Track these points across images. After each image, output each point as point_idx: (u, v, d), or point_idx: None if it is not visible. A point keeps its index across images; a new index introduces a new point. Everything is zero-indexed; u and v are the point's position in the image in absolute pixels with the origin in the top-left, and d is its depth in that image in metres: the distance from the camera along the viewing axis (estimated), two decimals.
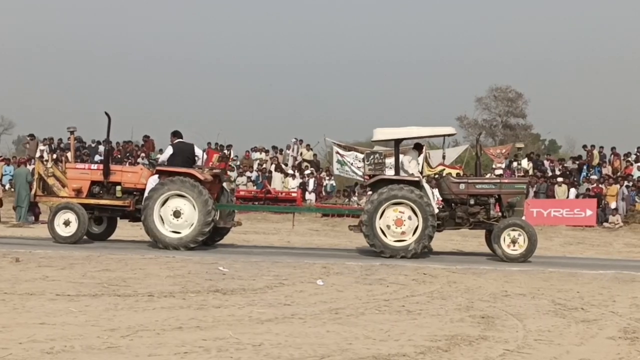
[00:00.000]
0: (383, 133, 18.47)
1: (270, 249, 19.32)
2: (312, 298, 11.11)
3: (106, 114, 18.87)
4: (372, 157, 18.29)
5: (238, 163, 38.57)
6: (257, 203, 25.31)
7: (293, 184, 35.02)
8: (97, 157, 37.05)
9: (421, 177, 17.90)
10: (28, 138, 41.58)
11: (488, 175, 30.46)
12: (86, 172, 19.08)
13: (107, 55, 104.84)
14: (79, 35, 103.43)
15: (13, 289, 10.99)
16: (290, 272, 13.84)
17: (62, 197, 18.83)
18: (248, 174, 36.14)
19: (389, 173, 18.93)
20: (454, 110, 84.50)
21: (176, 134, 18.88)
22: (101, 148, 38.94)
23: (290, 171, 36.65)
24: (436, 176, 18.41)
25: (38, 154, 37.65)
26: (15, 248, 16.19)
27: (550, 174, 35.65)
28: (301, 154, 39.50)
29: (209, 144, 38.67)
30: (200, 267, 14.04)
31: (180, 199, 17.67)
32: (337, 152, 36.46)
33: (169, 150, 18.51)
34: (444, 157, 18.86)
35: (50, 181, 19.10)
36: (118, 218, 19.69)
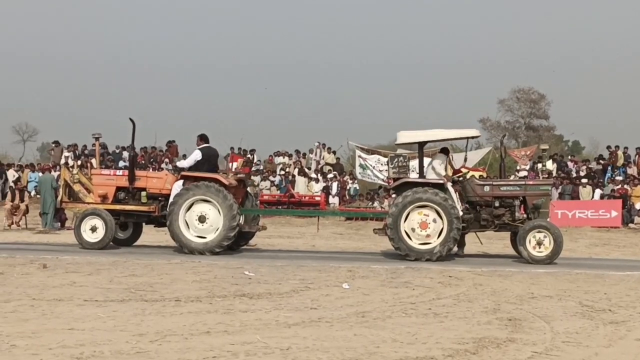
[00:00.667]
0: (407, 136, 18.44)
1: (295, 252, 19.32)
2: (338, 302, 11.11)
3: (131, 120, 18.94)
4: (396, 160, 18.24)
5: (261, 167, 38.64)
6: (280, 207, 25.23)
7: (316, 187, 35.02)
8: (121, 163, 37.22)
9: (445, 179, 17.84)
10: (53, 144, 41.80)
11: (512, 177, 30.35)
12: (111, 178, 19.15)
13: (129, 62, 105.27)
14: (102, 42, 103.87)
15: (41, 295, 11.06)
16: (316, 275, 13.85)
17: (88, 203, 18.91)
18: (272, 178, 36.20)
19: (413, 176, 18.89)
20: (477, 112, 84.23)
21: (203, 138, 18.89)
22: (125, 154, 39.18)
23: (313, 175, 36.66)
24: (461, 178, 18.30)
25: (63, 161, 37.85)
26: (42, 254, 16.30)
27: (574, 175, 35.49)
28: (323, 157, 39.51)
29: (232, 148, 38.86)
30: (226, 272, 14.08)
31: (205, 204, 17.71)
32: (360, 156, 36.44)
33: (197, 155, 18.46)
34: (465, 160, 18.74)
35: (76, 187, 19.18)
36: (143, 224, 19.76)
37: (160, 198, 18.77)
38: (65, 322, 9.12)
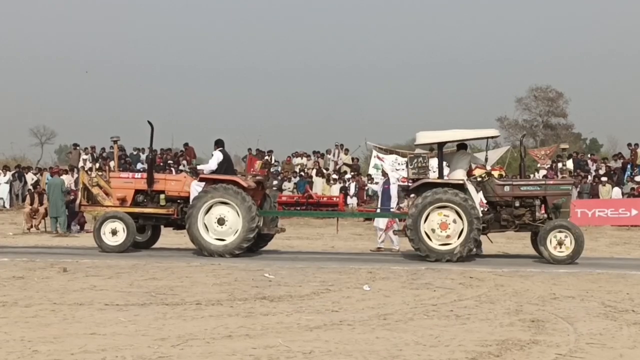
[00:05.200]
0: (426, 136, 18.36)
1: (314, 254, 19.26)
2: (359, 304, 11.09)
3: (149, 122, 18.98)
4: (415, 160, 18.17)
5: (279, 168, 38.63)
6: (299, 208, 25.26)
7: (335, 188, 34.96)
8: (139, 165, 37.30)
9: (465, 180, 17.76)
10: (72, 147, 41.92)
11: (532, 177, 30.23)
12: (130, 181, 19.18)
13: (146, 64, 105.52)
14: (118, 45, 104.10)
15: (62, 299, 11.08)
16: (336, 277, 13.81)
17: (107, 206, 18.93)
18: (293, 179, 36.21)
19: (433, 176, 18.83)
20: (494, 111, 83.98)
21: (219, 143, 18.93)
22: (143, 156, 39.26)
23: (334, 176, 36.62)
24: (479, 179, 18.22)
25: (81, 163, 37.95)
26: (62, 258, 16.32)
27: (593, 173, 35.30)
28: (341, 158, 39.46)
29: (249, 150, 38.86)
30: (246, 274, 14.06)
31: (224, 206, 17.70)
32: (377, 156, 36.35)
33: (219, 157, 18.50)
34: (486, 160, 18.65)
35: (95, 190, 19.17)
36: (162, 226, 19.78)
37: (179, 200, 18.78)
38: (86, 326, 9.13)
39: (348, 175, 36.52)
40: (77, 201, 20.48)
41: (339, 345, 8.28)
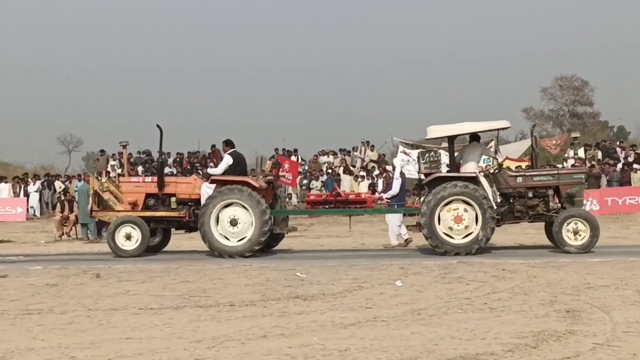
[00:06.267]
0: (437, 131, 18.29)
1: (345, 252, 19.28)
2: (392, 300, 11.07)
3: (158, 126, 19.10)
4: (427, 155, 18.16)
5: (306, 167, 38.66)
6: (327, 207, 25.30)
7: (362, 185, 34.94)
8: (166, 170, 37.46)
9: (477, 172, 17.73)
10: (99, 153, 42.17)
11: (560, 166, 30.06)
12: (140, 185, 19.26)
13: (170, 68, 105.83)
14: (142, 50, 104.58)
15: (97, 305, 11.13)
16: (368, 274, 13.79)
17: (118, 211, 19.03)
18: (321, 178, 36.24)
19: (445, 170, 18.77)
20: (520, 102, 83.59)
21: (229, 143, 19.02)
22: (170, 160, 39.44)
23: (362, 173, 36.60)
24: (492, 170, 18.21)
25: (108, 169, 38.19)
26: (94, 264, 16.40)
27: (622, 161, 35.06)
28: (367, 155, 39.44)
29: (276, 149, 38.94)
30: (278, 274, 14.07)
31: (236, 207, 17.77)
32: (403, 151, 36.27)
33: (229, 160, 18.57)
34: (496, 152, 18.68)
35: (106, 196, 19.27)
36: (172, 229, 19.92)
37: (190, 203, 18.85)
38: (122, 331, 9.17)
39: (376, 172, 36.49)
40: (89, 207, 20.59)
41: (374, 341, 8.26)
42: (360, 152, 39.62)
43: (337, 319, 9.58)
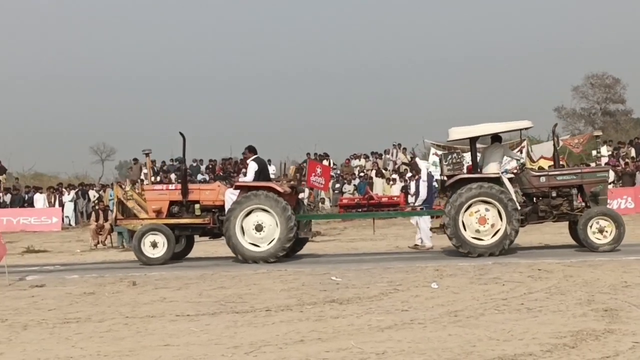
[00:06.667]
0: (458, 132, 18.23)
1: (379, 255, 19.25)
2: (428, 302, 11.05)
3: (181, 134, 19.12)
4: (450, 156, 18.11)
5: (338, 171, 38.69)
6: (360, 210, 25.29)
7: (395, 188, 34.92)
8: (199, 176, 37.64)
9: (500, 172, 17.68)
10: (132, 162, 42.44)
11: (593, 165, 29.88)
12: (164, 192, 19.28)
13: (201, 77, 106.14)
14: (174, 59, 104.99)
15: (134, 312, 11.21)
16: (403, 277, 13.77)
17: (143, 219, 19.12)
18: (353, 181, 36.25)
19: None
20: (552, 101, 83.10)
21: (252, 150, 19.08)
22: (202, 167, 39.63)
23: (394, 175, 36.59)
24: (515, 170, 18.16)
25: (142, 177, 38.39)
26: (130, 272, 16.49)
27: None
28: (399, 158, 39.42)
29: (308, 154, 38.99)
30: (313, 279, 14.09)
31: (262, 213, 17.81)
32: (435, 153, 36.20)
33: (255, 167, 18.60)
34: (521, 152, 18.64)
35: (130, 204, 19.34)
36: (196, 236, 19.98)
37: (213, 209, 18.87)
38: (160, 338, 9.23)
39: (409, 174, 36.45)
40: (113, 215, 20.67)
41: (411, 344, 8.26)
42: (392, 155, 39.60)
43: (373, 322, 9.59)
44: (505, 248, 16.93)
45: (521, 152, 31.77)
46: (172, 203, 19.04)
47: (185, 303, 11.89)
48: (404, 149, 39.88)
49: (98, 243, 26.36)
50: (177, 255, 19.29)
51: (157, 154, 42.55)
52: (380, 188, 35.54)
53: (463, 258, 16.88)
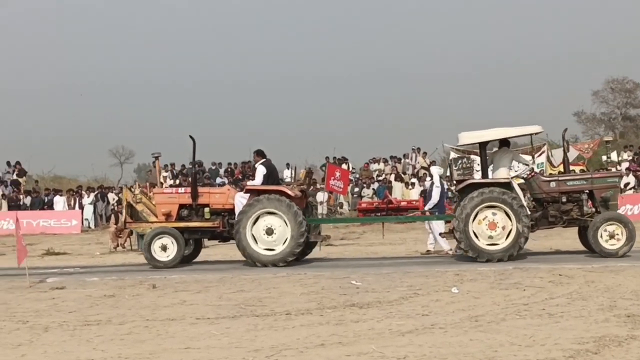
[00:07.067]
0: (469, 137, 18.22)
1: (399, 259, 19.17)
2: (449, 307, 11.02)
3: (191, 137, 19.13)
4: (459, 161, 18.06)
5: (357, 175, 38.65)
6: (379, 214, 25.30)
7: (414, 192, 34.85)
8: (218, 180, 37.66)
9: (510, 177, 17.62)
10: (152, 165, 42.51)
11: (613, 170, 29.74)
12: (174, 196, 19.26)
13: (216, 81, 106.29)
14: (191, 64, 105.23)
15: (154, 315, 11.22)
16: (423, 281, 13.73)
17: (152, 222, 19.13)
18: (373, 186, 36.23)
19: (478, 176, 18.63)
20: (571, 105, 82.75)
21: (260, 154, 19.11)
22: (221, 170, 39.66)
23: (413, 180, 36.52)
24: (524, 175, 18.11)
25: (161, 180, 38.47)
26: (150, 275, 16.50)
27: None
28: (418, 162, 39.36)
29: (327, 158, 38.97)
30: (333, 282, 14.07)
31: (272, 217, 17.80)
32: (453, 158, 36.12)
33: (263, 170, 18.63)
34: (533, 157, 18.56)
35: (139, 207, 19.36)
36: (204, 240, 20.06)
37: (223, 213, 18.87)
38: (180, 341, 9.24)
39: (428, 179, 36.40)
40: (122, 218, 20.71)
41: (432, 349, 8.24)
42: (411, 159, 39.54)
43: (394, 327, 9.57)
44: (521, 246, 16.92)
45: (529, 159, 31.78)
46: (181, 206, 19.04)
47: (205, 306, 11.90)
48: (424, 153, 39.82)
49: (117, 245, 26.40)
50: (185, 259, 19.28)
51: (176, 157, 42.73)
52: (399, 192, 35.48)
53: (482, 263, 16.80)
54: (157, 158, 20.98)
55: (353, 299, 11.98)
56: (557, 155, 32.60)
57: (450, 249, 19.83)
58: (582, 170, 28.07)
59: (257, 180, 18.74)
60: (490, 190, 17.00)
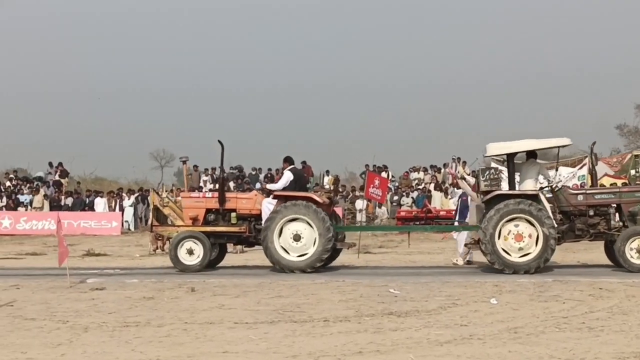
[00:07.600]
0: (497, 148, 18.10)
1: (437, 268, 19.12)
2: (488, 317, 10.97)
3: (219, 142, 19.17)
4: (487, 172, 17.96)
5: (397, 184, 38.63)
6: (417, 223, 25.27)
7: (453, 202, 34.74)
8: (257, 185, 37.79)
9: (537, 189, 17.50)
10: (192, 169, 42.79)
11: None
12: (201, 200, 19.35)
13: (256, 87, 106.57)
14: (231, 70, 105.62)
15: (192, 318, 11.27)
16: (462, 291, 13.68)
17: (179, 226, 19.20)
18: (412, 195, 36.20)
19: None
20: (614, 118, 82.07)
21: (288, 160, 19.22)
22: (261, 176, 39.79)
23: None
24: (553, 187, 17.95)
25: (201, 184, 38.71)
26: (189, 278, 16.56)
27: None
28: (459, 171, 39.20)
29: (367, 166, 38.99)
30: (371, 290, 14.04)
31: (299, 223, 17.82)
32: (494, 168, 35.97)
33: (289, 176, 18.68)
34: (556, 170, 18.40)
35: (166, 211, 19.43)
36: (229, 244, 20.20)
37: (250, 219, 18.91)
38: (219, 345, 9.27)
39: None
40: (149, 222, 20.79)
41: (471, 359, 8.20)
42: (452, 169, 39.42)
43: (432, 336, 9.54)
44: (553, 249, 16.84)
45: (570, 170, 31.53)
46: (208, 211, 19.09)
47: (243, 311, 11.93)
48: (464, 162, 39.69)
49: (157, 248, 26.54)
50: (210, 264, 19.30)
51: (216, 162, 42.87)
52: (438, 202, 35.43)
53: (521, 274, 16.69)
54: (184, 162, 21.06)
55: (391, 307, 11.96)
56: (599, 168, 32.38)
57: (461, 265, 19.75)
58: (623, 184, 27.85)
59: (279, 185, 18.83)
60: (497, 210, 16.90)
